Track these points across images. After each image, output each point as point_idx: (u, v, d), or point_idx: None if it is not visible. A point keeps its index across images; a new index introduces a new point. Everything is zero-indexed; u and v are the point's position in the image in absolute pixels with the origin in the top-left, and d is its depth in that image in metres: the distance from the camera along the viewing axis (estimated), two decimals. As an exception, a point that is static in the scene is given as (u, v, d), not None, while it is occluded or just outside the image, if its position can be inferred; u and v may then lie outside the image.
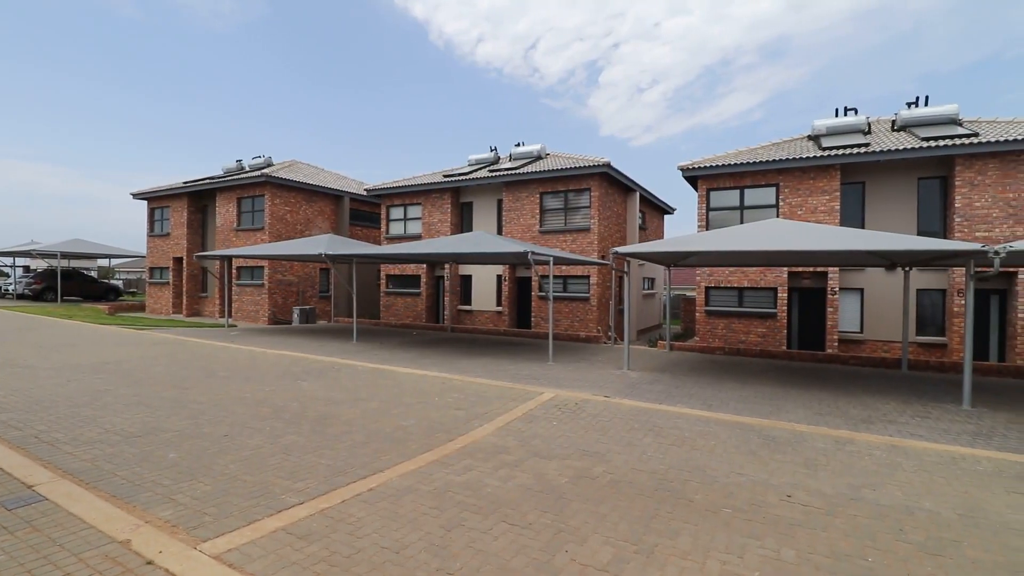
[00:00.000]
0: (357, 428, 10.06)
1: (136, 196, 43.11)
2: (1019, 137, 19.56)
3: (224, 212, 37.31)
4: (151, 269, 43.15)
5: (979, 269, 13.93)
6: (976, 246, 12.59)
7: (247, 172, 38.07)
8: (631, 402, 12.68)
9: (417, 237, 33.72)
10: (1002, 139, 19.77)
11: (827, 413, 12.14)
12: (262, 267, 35.08)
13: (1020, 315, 20.15)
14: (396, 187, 34.37)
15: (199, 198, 40.59)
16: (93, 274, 67.95)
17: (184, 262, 39.76)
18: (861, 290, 23.37)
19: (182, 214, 40.10)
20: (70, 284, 47.78)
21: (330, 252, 24.01)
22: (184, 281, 40.03)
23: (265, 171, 35.75)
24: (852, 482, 7.81)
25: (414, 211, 34.48)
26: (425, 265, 33.19)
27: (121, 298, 52.16)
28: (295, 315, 33.99)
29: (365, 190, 36.59)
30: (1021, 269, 19.89)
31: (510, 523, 6.26)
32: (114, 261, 73.13)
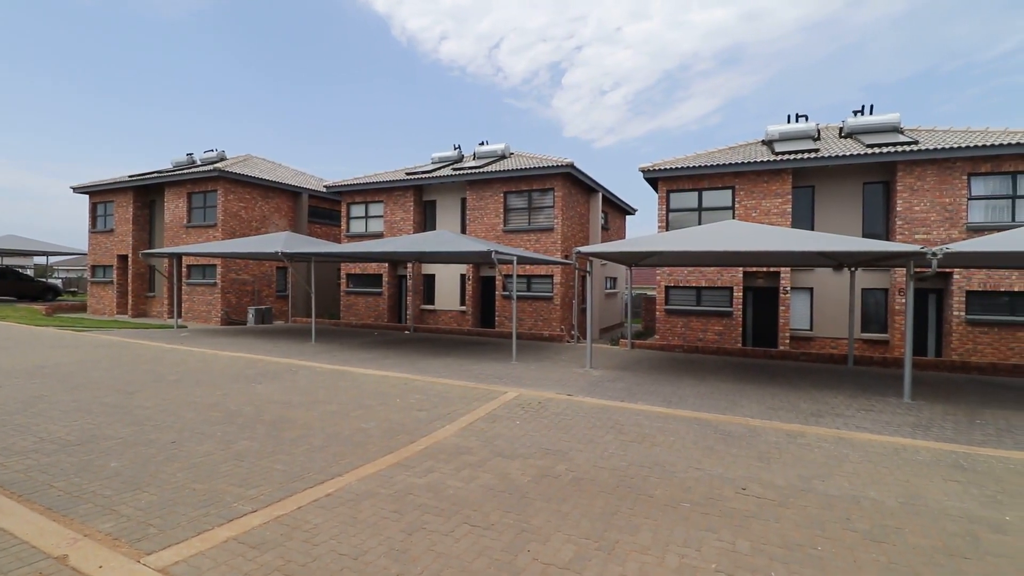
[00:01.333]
0: (315, 431, 9.77)
1: (77, 190, 40.74)
2: (954, 145, 20.81)
3: (173, 208, 35.72)
4: (93, 267, 40.88)
5: (918, 270, 14.75)
6: (915, 248, 13.31)
7: (198, 166, 36.55)
8: (593, 400, 12.80)
9: (379, 235, 33.15)
10: (939, 147, 20.99)
11: (779, 408, 12.58)
12: (215, 265, 33.76)
13: (955, 313, 21.45)
14: (357, 184, 33.70)
15: (146, 193, 38.72)
16: (29, 272, 63.89)
17: (129, 260, 37.85)
18: (811, 289, 24.36)
19: (127, 209, 38.15)
20: (3, 283, 44.79)
21: (287, 250, 23.31)
22: (129, 280, 38.10)
23: (218, 165, 34.41)
24: (803, 474, 8.10)
25: (375, 209, 33.88)
26: (387, 264, 32.66)
27: (60, 298, 49.21)
28: (250, 315, 32.87)
29: (325, 187, 35.73)
30: (956, 270, 21.16)
31: (472, 524, 6.19)
32: (52, 259, 68.90)
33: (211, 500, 6.77)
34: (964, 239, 20.64)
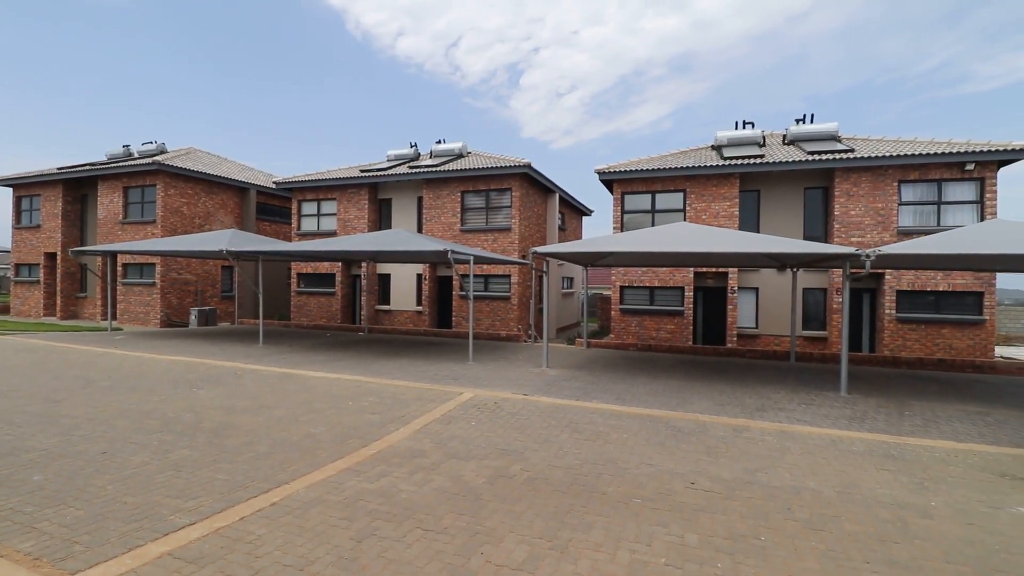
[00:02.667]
0: (261, 438, 9.38)
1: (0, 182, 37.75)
2: (886, 154, 22.15)
3: (108, 203, 33.63)
4: (17, 266, 37.98)
5: (853, 271, 15.59)
6: (851, 250, 14.06)
7: (136, 159, 34.56)
8: (549, 399, 12.87)
9: (332, 234, 32.28)
10: (872, 155, 22.28)
11: (727, 403, 13.02)
12: (153, 264, 32.00)
13: (886, 311, 22.82)
14: (309, 180, 32.70)
15: (77, 187, 36.30)
16: (-58, 271, 58.67)
17: (58, 258, 35.40)
18: (756, 289, 25.38)
19: (56, 204, 35.67)
20: (-90, 283, 40.89)
21: (233, 248, 22.34)
22: (58, 280, 35.64)
23: (157, 158, 32.65)
24: (748, 467, 8.40)
25: (328, 206, 32.98)
26: (340, 263, 31.85)
27: (-22, 299, 45.47)
28: (192, 317, 31.35)
29: (274, 183, 34.48)
30: (888, 271, 22.52)
31: (425, 529, 6.08)
32: (-30, 256, 63.64)
33: (145, 514, 6.37)
34: (895, 242, 22.00)
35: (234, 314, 35.53)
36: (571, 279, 40.59)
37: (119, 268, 33.11)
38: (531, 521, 6.30)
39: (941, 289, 21.92)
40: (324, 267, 32.86)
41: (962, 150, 20.99)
